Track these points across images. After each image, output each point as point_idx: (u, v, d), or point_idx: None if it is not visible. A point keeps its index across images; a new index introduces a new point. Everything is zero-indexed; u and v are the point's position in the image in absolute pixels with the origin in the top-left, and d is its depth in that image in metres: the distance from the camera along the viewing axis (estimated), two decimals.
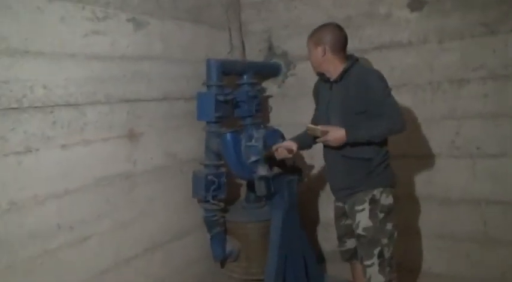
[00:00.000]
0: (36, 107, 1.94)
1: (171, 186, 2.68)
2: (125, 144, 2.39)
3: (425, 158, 2.81)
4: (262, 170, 2.36)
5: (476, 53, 2.58)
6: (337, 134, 2.05)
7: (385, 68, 2.80)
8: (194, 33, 2.92)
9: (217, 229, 2.71)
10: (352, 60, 2.18)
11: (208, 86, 2.62)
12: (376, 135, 2.06)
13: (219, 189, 2.62)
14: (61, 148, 2.05)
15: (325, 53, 2.15)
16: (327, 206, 3.17)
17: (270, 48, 3.31)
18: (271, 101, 3.36)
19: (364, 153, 2.10)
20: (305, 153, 3.13)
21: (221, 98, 2.55)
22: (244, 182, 3.05)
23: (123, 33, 2.39)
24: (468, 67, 2.61)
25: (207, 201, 2.61)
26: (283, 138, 2.53)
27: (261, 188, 2.34)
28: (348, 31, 2.91)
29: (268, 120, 3.36)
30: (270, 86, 3.34)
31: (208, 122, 2.63)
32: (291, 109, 3.27)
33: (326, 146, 2.23)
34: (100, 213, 2.24)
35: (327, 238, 3.21)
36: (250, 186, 2.85)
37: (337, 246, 2.40)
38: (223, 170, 2.66)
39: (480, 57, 2.57)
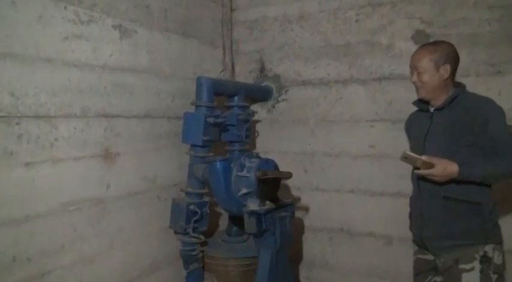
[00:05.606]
0: None
1: (146, 214, 2.39)
2: (98, 164, 2.10)
3: None
4: (253, 205, 2.11)
5: (481, 93, 2.44)
6: (448, 169, 1.72)
7: (383, 101, 2.70)
8: (183, 47, 2.69)
9: (195, 265, 2.43)
10: (461, 87, 1.91)
11: (197, 106, 2.38)
12: (491, 175, 1.76)
13: (201, 221, 2.36)
14: (25, 166, 1.76)
15: (448, 76, 1.85)
16: (311, 243, 2.97)
17: (262, 70, 3.11)
18: (258, 126, 3.14)
19: (473, 196, 1.79)
20: (291, 184, 2.92)
21: (211, 120, 2.32)
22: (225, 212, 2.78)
23: (107, 40, 2.14)
24: None
25: (187, 234, 2.33)
26: (277, 169, 2.29)
27: (251, 225, 2.08)
28: (346, 59, 2.84)
29: (254, 147, 3.13)
30: (259, 111, 3.12)
31: (193, 146, 2.38)
32: (280, 136, 3.05)
33: (422, 183, 1.91)
34: (64, 243, 1.93)
35: (310, 278, 2.98)
36: (233, 218, 2.60)
37: None
38: (206, 199, 2.40)
39: None
